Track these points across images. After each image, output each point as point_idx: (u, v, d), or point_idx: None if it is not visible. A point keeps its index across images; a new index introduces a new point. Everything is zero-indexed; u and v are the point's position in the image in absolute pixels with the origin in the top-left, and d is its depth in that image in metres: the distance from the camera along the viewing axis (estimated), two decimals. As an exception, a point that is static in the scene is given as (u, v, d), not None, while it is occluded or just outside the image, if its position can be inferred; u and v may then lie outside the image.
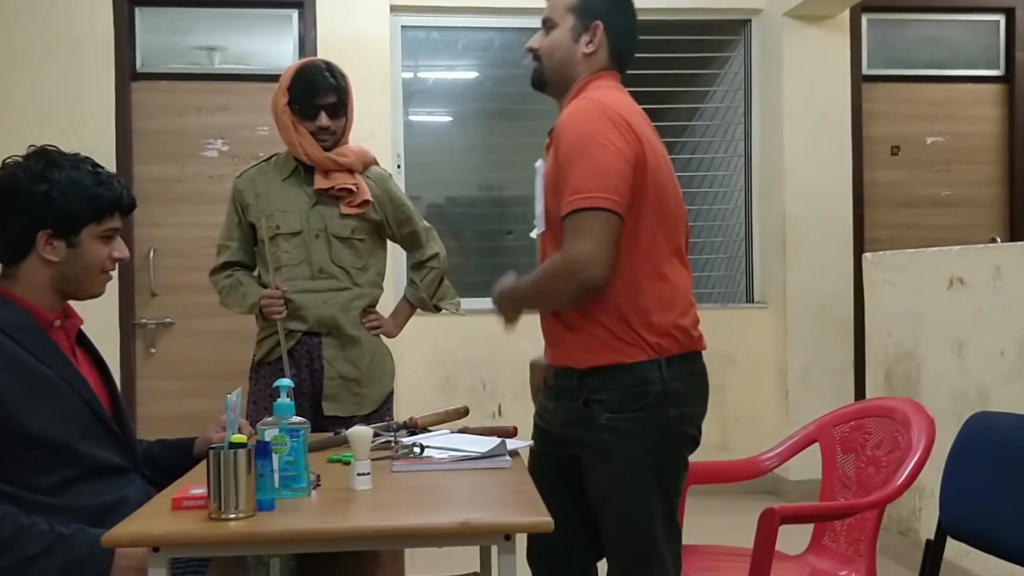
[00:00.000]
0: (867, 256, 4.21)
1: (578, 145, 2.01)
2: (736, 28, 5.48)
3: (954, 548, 2.20)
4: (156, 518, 1.70)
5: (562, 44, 2.19)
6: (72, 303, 2.08)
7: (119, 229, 2.06)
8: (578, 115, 2.07)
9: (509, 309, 2.22)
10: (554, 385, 2.24)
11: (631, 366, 2.06)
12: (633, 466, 2.07)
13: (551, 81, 2.23)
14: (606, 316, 2.07)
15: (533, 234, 2.25)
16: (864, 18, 5.32)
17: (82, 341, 2.12)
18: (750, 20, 5.43)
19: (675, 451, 2.13)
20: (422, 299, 3.15)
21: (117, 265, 2.09)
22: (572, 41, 2.19)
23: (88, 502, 1.93)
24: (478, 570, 2.35)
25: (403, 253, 3.31)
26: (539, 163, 2.20)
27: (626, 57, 2.25)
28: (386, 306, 3.14)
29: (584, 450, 2.12)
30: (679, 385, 2.09)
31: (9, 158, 2.00)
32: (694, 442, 2.16)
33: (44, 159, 1.98)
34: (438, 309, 3.22)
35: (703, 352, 2.18)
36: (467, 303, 3.74)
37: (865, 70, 5.32)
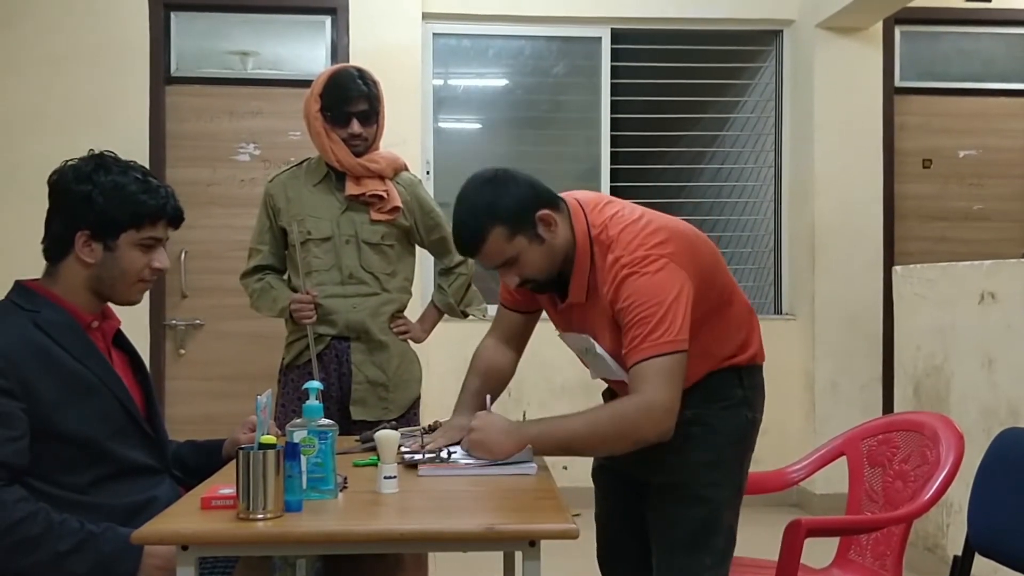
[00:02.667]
0: (897, 269, 4.18)
1: (661, 304, 1.99)
2: (768, 39, 5.47)
3: (982, 565, 2.18)
4: (185, 517, 1.72)
5: (538, 258, 2.09)
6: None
7: (161, 239, 2.05)
8: (661, 285, 2.01)
9: (532, 442, 2.05)
10: None
11: (713, 373, 2.19)
12: (716, 453, 2.17)
13: (557, 276, 2.14)
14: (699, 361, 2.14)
15: (598, 377, 2.29)
16: (897, 30, 5.29)
17: (118, 342, 2.15)
18: (782, 31, 5.41)
19: (746, 452, 2.26)
20: (450, 304, 3.17)
21: (156, 275, 2.09)
22: (540, 246, 2.09)
23: (118, 501, 1.96)
24: (502, 575, 2.36)
25: (431, 259, 3.32)
26: (598, 347, 2.14)
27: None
28: (414, 312, 3.16)
29: (661, 444, 2.06)
30: (752, 393, 2.25)
31: (69, 160, 2.03)
32: (752, 452, 2.27)
33: (95, 162, 2.01)
34: (465, 315, 3.24)
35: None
36: (493, 309, 3.74)
37: (898, 82, 5.29)
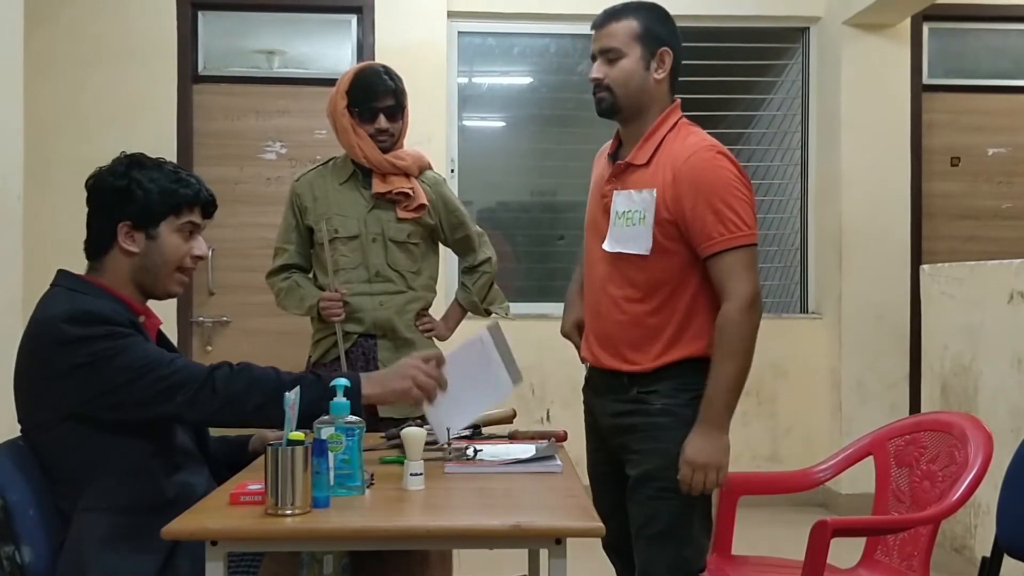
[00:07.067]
0: (924, 268, 4.14)
1: (720, 189, 2.17)
2: (794, 36, 5.44)
3: (1011, 567, 2.16)
4: (214, 512, 1.74)
5: (635, 74, 2.25)
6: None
7: (199, 226, 2.12)
8: (712, 163, 2.20)
9: (724, 421, 2.18)
10: (600, 383, 2.38)
11: (681, 363, 2.23)
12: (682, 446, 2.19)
13: (624, 108, 2.28)
14: (677, 324, 2.23)
15: (611, 248, 2.29)
16: (925, 27, 5.24)
17: (160, 342, 2.18)
18: (808, 28, 5.38)
19: None
20: (473, 302, 3.18)
21: (196, 264, 2.15)
22: (643, 70, 2.25)
23: (169, 479, 1.98)
24: (526, 573, 2.36)
25: (454, 257, 3.34)
26: (649, 192, 2.22)
27: (679, 78, 2.33)
28: (437, 310, 3.17)
29: (632, 435, 2.24)
30: None
31: (103, 166, 2.09)
32: None
33: (129, 159, 2.08)
34: (488, 313, 3.24)
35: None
36: (516, 308, 3.75)
37: (926, 79, 5.24)
